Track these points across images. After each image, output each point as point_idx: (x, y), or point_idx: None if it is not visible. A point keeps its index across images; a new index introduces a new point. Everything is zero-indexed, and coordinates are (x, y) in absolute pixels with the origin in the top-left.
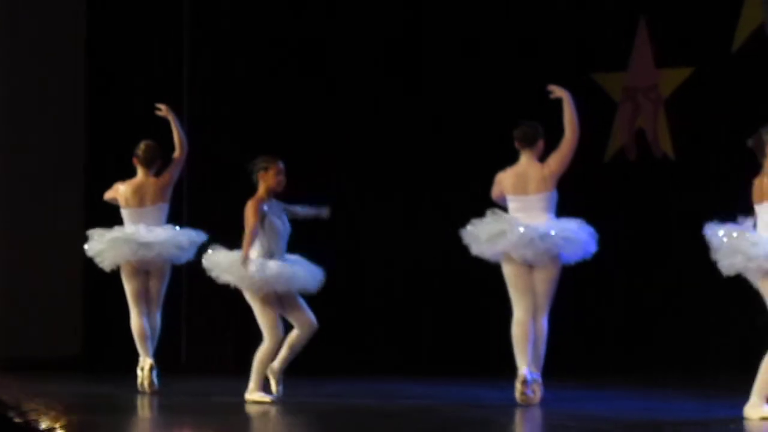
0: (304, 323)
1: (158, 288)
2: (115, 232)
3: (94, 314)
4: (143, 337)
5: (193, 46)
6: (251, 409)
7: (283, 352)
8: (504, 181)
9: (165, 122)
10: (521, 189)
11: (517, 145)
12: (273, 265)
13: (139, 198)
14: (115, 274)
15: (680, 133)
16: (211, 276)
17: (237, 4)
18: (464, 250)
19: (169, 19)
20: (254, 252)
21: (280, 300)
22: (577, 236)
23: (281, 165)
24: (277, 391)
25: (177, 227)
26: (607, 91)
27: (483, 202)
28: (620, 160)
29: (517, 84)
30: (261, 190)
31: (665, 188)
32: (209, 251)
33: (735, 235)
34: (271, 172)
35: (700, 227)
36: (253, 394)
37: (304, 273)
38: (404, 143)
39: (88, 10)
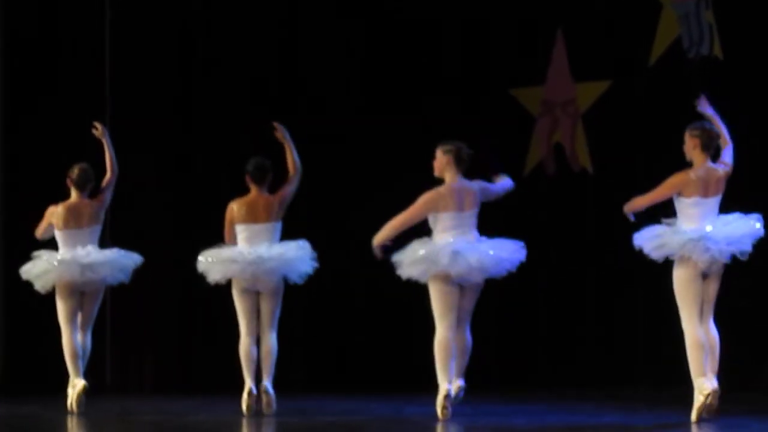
0: None
1: (92, 308)
2: (63, 253)
3: (14, 336)
4: (75, 357)
5: (115, 69)
6: (178, 428)
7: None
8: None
9: (84, 144)
10: (459, 206)
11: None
12: None
13: (76, 219)
14: (36, 294)
15: (598, 146)
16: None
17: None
18: (383, 265)
19: (90, 41)
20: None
21: None
22: (509, 255)
23: None
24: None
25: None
26: (525, 105)
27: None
28: (539, 174)
29: (436, 101)
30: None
31: (584, 202)
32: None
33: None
34: None
35: (619, 241)
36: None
37: None
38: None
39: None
